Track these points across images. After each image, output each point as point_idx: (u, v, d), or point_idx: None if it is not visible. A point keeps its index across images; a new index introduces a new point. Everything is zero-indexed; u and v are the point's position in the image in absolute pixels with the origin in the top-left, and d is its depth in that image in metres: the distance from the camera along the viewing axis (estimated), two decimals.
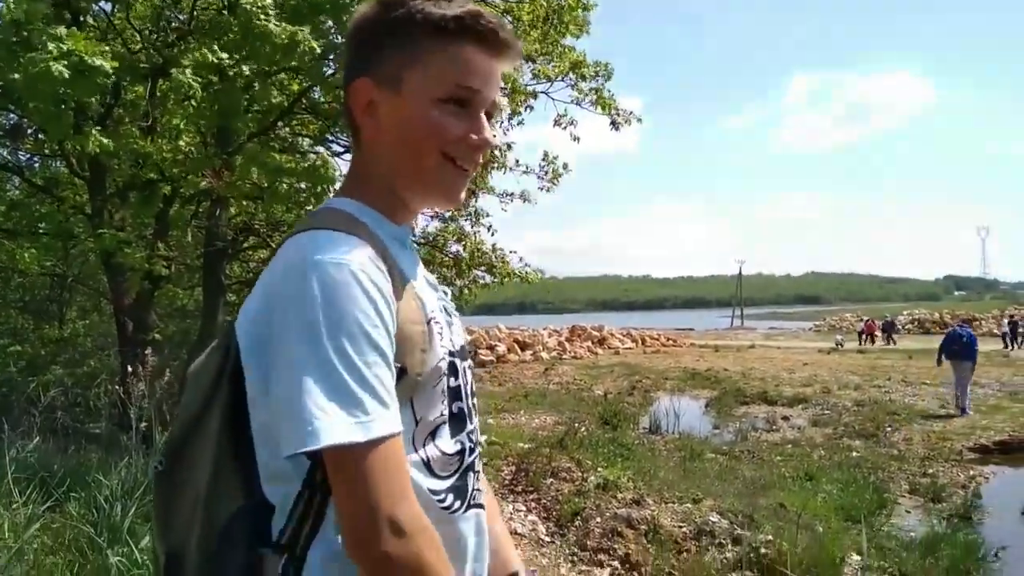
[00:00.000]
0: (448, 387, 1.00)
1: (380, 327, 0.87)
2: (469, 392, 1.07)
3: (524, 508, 5.93)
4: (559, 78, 9.02)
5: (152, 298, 8.09)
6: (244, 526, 0.90)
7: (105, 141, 5.43)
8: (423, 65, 0.98)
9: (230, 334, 0.95)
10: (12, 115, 7.92)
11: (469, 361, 1.12)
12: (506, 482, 6.43)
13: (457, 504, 1.00)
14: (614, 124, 9.08)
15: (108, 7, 7.79)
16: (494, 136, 1.04)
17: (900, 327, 45.21)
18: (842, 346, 33.85)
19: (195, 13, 7.17)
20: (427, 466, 0.97)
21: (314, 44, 5.38)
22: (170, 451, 1.00)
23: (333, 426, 0.81)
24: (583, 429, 9.25)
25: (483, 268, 9.73)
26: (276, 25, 5.21)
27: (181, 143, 7.16)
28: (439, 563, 0.87)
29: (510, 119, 9.39)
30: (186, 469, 0.96)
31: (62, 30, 4.80)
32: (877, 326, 40.00)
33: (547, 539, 5.47)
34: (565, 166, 10.33)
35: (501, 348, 29.53)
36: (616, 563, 5.12)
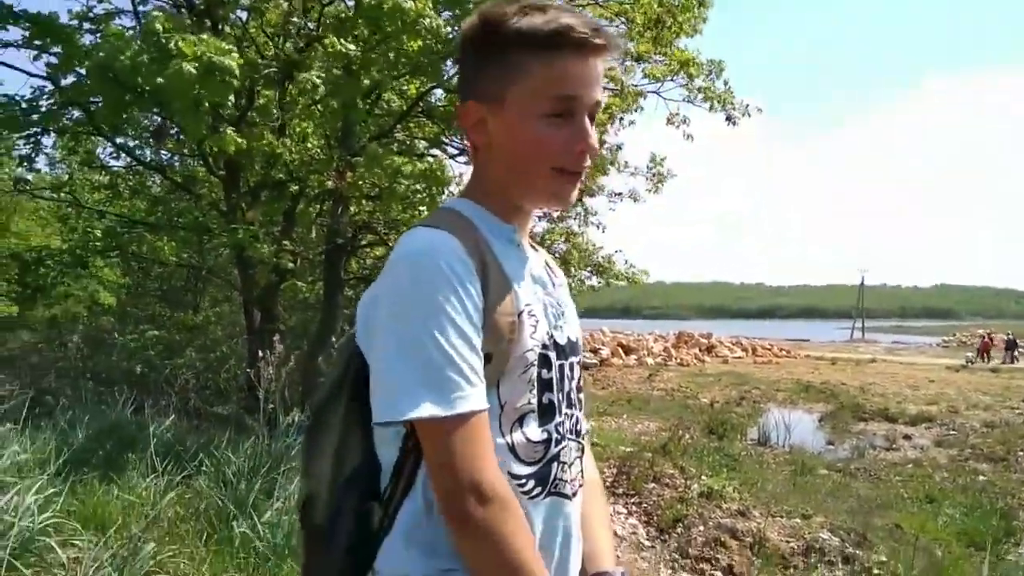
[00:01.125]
0: (539, 378, 1.06)
1: (463, 314, 0.96)
2: (567, 386, 1.12)
3: (624, 511, 5.90)
4: (669, 77, 8.89)
5: (278, 290, 8.59)
6: (360, 481, 1.05)
7: (240, 140, 5.83)
8: (523, 81, 1.03)
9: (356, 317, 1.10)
10: (156, 117, 8.57)
11: (576, 358, 1.17)
12: (607, 484, 6.41)
13: (537, 490, 1.06)
14: (729, 119, 8.87)
15: (244, 16, 8.35)
16: (599, 140, 1.09)
17: None
18: (972, 363, 31.57)
19: (322, 19, 7.55)
20: (512, 450, 1.03)
21: (440, 21, 5.54)
22: (314, 412, 1.15)
23: (416, 401, 0.92)
24: (687, 436, 9.09)
25: (589, 269, 9.73)
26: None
27: (308, 145, 7.58)
28: (519, 531, 0.96)
29: (620, 120, 9.35)
30: (324, 428, 1.11)
31: (192, 37, 5.21)
32: (993, 343, 37.27)
33: (647, 543, 5.43)
34: (669, 171, 10.20)
35: (605, 352, 29.35)
36: (719, 573, 5.02)
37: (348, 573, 1.06)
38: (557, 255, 10.05)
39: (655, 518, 5.78)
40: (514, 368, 1.03)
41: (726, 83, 8.92)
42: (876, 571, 4.89)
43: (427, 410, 0.92)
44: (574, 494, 1.13)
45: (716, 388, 20.98)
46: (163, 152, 10.37)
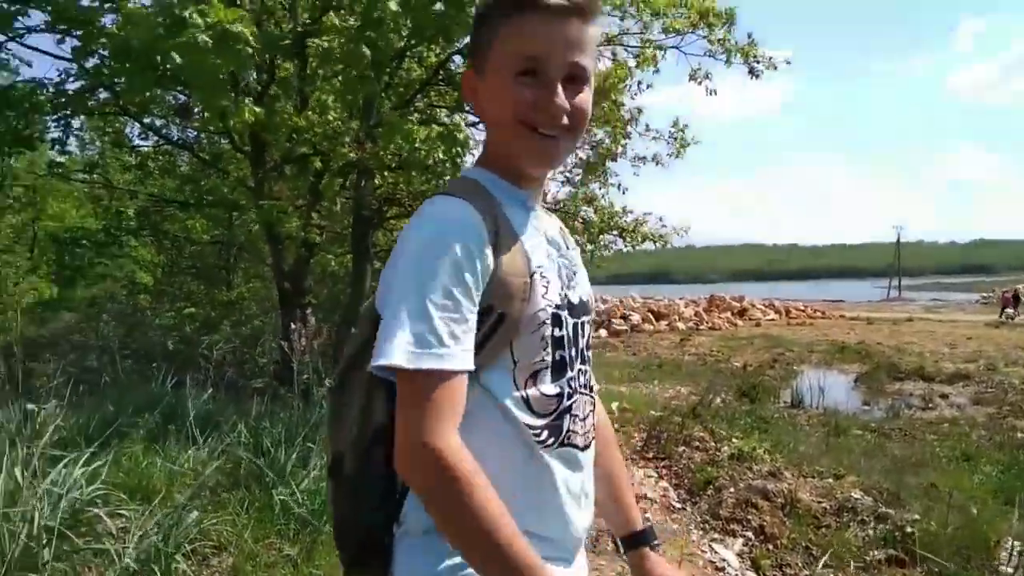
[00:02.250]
0: (552, 336, 1.10)
1: (461, 281, 1.00)
2: (580, 343, 1.18)
3: (655, 475, 5.94)
4: (689, 30, 8.62)
5: (308, 264, 8.69)
6: (386, 438, 1.06)
7: (258, 110, 5.87)
8: (498, 45, 1.10)
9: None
10: (181, 95, 8.63)
11: (588, 317, 1.22)
12: (637, 448, 6.46)
13: (552, 440, 1.11)
14: (752, 72, 8.62)
15: None
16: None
17: None
18: (1012, 319, 30.91)
19: None
20: (527, 403, 1.08)
21: None
22: (339, 374, 1.20)
23: (394, 350, 0.96)
24: (719, 400, 9.07)
25: (615, 232, 9.64)
26: None
27: (330, 117, 7.59)
28: (477, 499, 0.94)
29: (639, 84, 9.17)
30: (349, 391, 1.17)
31: (212, 6, 5.21)
32: (1006, 299, 36.44)
33: (678, 505, 5.47)
34: (692, 138, 9.96)
35: (635, 318, 29.29)
36: (750, 534, 5.04)
37: (379, 525, 1.12)
38: (580, 220, 9.94)
39: (686, 481, 5.81)
40: (527, 326, 1.07)
41: (750, 36, 8.63)
42: (909, 529, 4.87)
43: (394, 359, 0.96)
44: (586, 446, 1.18)
45: (749, 351, 20.85)
46: (190, 130, 10.46)
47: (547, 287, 1.11)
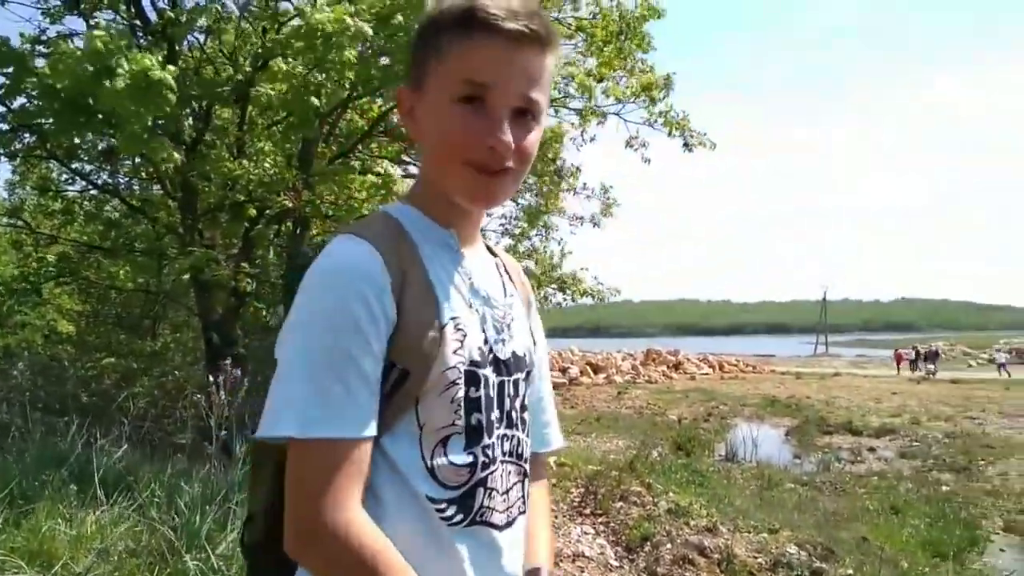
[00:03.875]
0: (464, 397, 0.97)
1: (362, 330, 0.89)
2: (507, 405, 1.04)
3: (592, 531, 5.84)
4: (630, 100, 8.94)
5: (238, 314, 8.43)
6: None
7: (176, 156, 5.76)
8: (440, 62, 0.96)
9: None
10: (108, 139, 8.40)
11: (522, 374, 1.08)
12: (574, 504, 6.35)
13: (459, 517, 0.96)
14: (687, 146, 8.95)
15: (202, 38, 8.26)
16: (523, 139, 0.96)
17: (943, 356, 43.49)
18: (933, 375, 32.26)
19: (273, 41, 7.48)
20: (432, 473, 0.95)
21: (365, 28, 5.47)
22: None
23: (282, 417, 0.87)
24: (655, 453, 9.07)
25: (554, 286, 9.73)
26: (323, 12, 5.41)
27: (266, 165, 7.48)
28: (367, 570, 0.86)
29: (583, 135, 9.40)
30: (265, 449, 1.01)
31: (136, 53, 5.16)
32: (904, 356, 40.02)
33: (615, 563, 5.37)
34: (615, 200, 10.38)
35: (574, 371, 29.38)
36: None
37: None
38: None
39: (623, 537, 5.72)
40: (435, 386, 0.95)
41: (683, 112, 8.95)
42: None
43: (282, 428, 0.86)
44: (508, 524, 1.02)
45: (684, 404, 21.08)
46: (119, 176, 10.17)
47: (462, 341, 0.97)
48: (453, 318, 0.98)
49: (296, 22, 7.16)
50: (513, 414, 1.05)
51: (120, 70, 4.88)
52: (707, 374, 35.21)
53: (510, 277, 1.15)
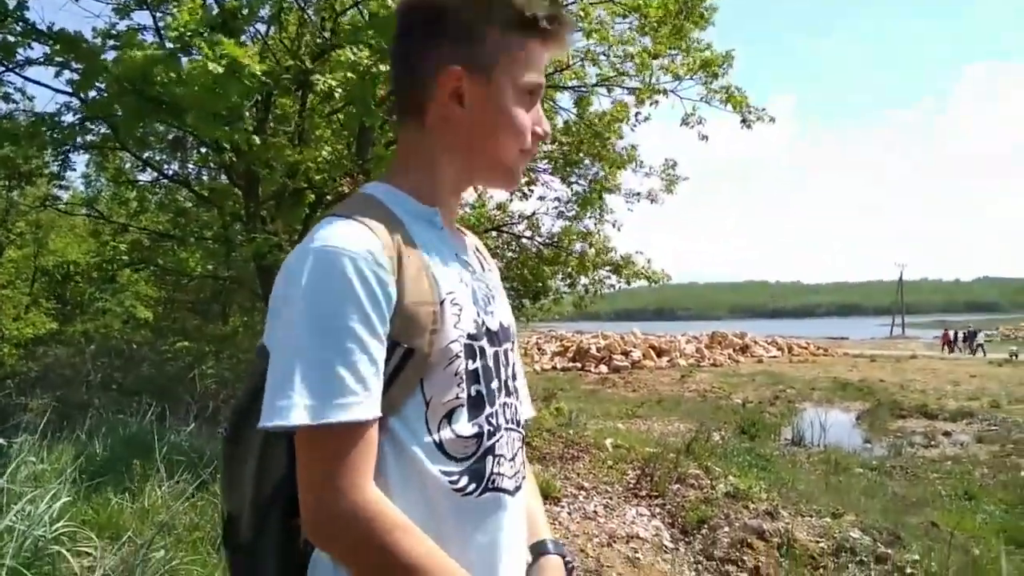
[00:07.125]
0: (466, 369, 0.99)
1: (366, 312, 0.89)
2: (503, 374, 1.07)
3: (648, 513, 5.79)
4: (688, 76, 8.70)
5: None
6: (285, 493, 0.95)
7: (256, 140, 5.89)
8: (511, 59, 1.03)
9: None
10: (174, 129, 8.67)
11: (511, 344, 1.12)
12: (630, 485, 6.31)
13: (472, 487, 0.99)
14: (745, 122, 8.66)
15: (264, 28, 8.44)
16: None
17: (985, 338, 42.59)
18: (1016, 357, 30.72)
19: (336, 29, 7.59)
20: (440, 448, 0.97)
21: None
22: (234, 419, 1.06)
23: (290, 407, 0.85)
24: (716, 436, 8.93)
25: (608, 268, 9.61)
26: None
27: (325, 152, 7.60)
28: (412, 554, 0.88)
29: (636, 116, 9.22)
30: (244, 442, 1.01)
31: (221, 37, 5.27)
32: (950, 336, 39.97)
33: (671, 545, 5.32)
34: (680, 176, 10.12)
35: (636, 354, 29.13)
36: (744, 574, 4.90)
37: None
38: (575, 255, 9.91)
39: (679, 519, 5.66)
40: (438, 362, 0.97)
41: (739, 89, 8.65)
42: (909, 570, 4.73)
43: (293, 418, 0.85)
44: (516, 488, 1.06)
45: (750, 388, 20.67)
46: (188, 165, 10.52)
47: (459, 315, 1.00)
48: (449, 293, 1.00)
49: (352, 12, 7.28)
50: (509, 383, 1.09)
51: (207, 53, 4.99)
52: (775, 357, 34.37)
53: (482, 254, 1.21)
